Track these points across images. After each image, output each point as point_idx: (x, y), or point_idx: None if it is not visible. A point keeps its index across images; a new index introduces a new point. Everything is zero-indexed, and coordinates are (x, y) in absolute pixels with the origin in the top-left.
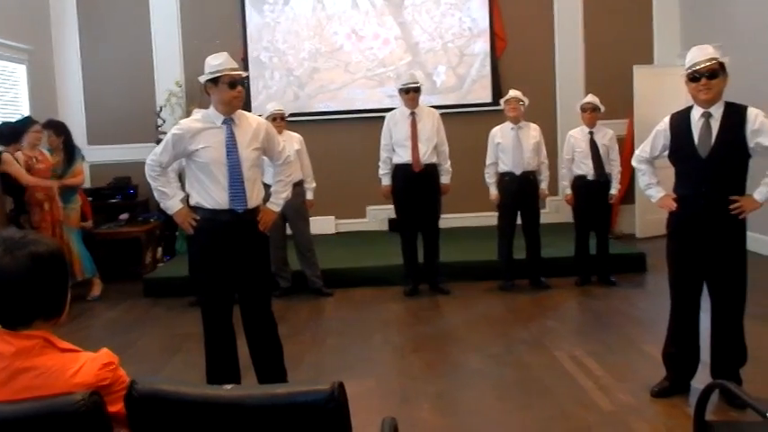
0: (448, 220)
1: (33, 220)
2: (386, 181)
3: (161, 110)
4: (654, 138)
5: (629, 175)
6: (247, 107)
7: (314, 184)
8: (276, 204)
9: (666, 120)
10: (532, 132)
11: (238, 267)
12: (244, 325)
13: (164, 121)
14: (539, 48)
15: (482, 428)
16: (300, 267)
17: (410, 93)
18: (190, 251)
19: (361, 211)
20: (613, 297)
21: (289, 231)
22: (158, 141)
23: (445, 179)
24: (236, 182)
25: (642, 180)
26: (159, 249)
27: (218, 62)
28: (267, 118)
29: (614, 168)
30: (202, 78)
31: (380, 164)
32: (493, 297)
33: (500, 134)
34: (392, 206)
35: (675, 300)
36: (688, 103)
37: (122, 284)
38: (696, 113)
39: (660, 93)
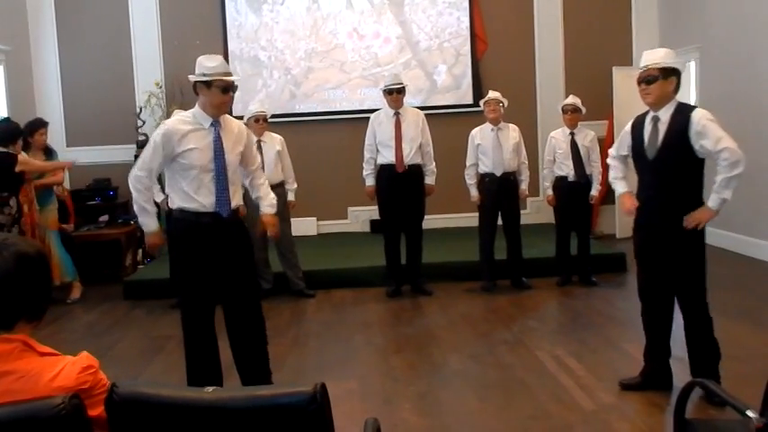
0: (429, 221)
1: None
2: (369, 181)
3: (141, 111)
4: (621, 138)
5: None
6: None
7: (295, 186)
8: (271, 207)
9: (631, 121)
10: (512, 133)
11: (224, 269)
12: (229, 327)
13: (143, 123)
14: (519, 49)
15: (464, 428)
16: (282, 269)
17: (394, 93)
18: (171, 254)
19: (342, 213)
20: (594, 297)
21: None
22: (138, 142)
23: (430, 180)
24: (221, 185)
25: (611, 173)
26: (139, 251)
27: (213, 65)
28: (249, 119)
29: (595, 169)
30: (194, 78)
31: (364, 164)
32: (474, 298)
33: (480, 135)
34: (374, 207)
35: (641, 298)
36: None
37: (102, 287)
38: (649, 116)
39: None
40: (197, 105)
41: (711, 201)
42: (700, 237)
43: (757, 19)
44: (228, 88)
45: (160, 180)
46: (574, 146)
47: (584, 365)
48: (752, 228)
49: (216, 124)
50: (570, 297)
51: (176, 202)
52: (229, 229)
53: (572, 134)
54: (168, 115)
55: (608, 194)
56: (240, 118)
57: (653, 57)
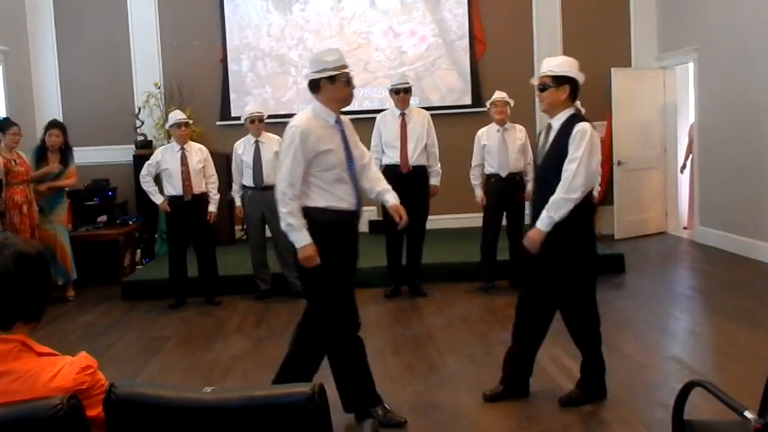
0: (430, 221)
1: (12, 223)
2: None
3: (139, 111)
4: None
5: (607, 176)
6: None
7: None
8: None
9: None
10: (518, 134)
11: (354, 263)
12: None
13: (142, 123)
14: (518, 50)
15: (461, 429)
16: (280, 269)
17: (400, 93)
18: (326, 257)
19: None
20: None
21: (268, 234)
22: (137, 143)
23: (435, 181)
24: (355, 181)
25: None
26: (138, 252)
27: (333, 58)
28: (245, 120)
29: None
30: (314, 75)
31: None
32: (473, 298)
33: (486, 136)
34: (373, 208)
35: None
36: (666, 104)
37: (100, 287)
38: (547, 124)
39: (638, 94)
40: (317, 102)
41: (540, 221)
42: (574, 243)
43: (755, 20)
44: (351, 80)
45: (158, 181)
46: None
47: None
48: (749, 228)
49: (339, 120)
50: None
51: (318, 202)
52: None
53: None
54: (166, 115)
55: (606, 195)
56: (237, 118)
57: (549, 64)
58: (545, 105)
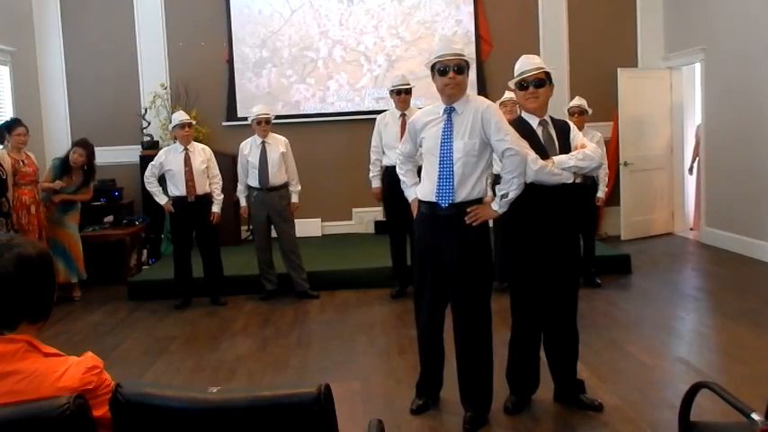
0: None
1: (20, 223)
2: (376, 183)
3: (146, 112)
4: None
5: (614, 177)
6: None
7: (299, 187)
8: (500, 205)
9: None
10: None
11: (447, 267)
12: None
13: (148, 124)
14: (524, 51)
15: None
16: (286, 270)
17: (401, 94)
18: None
19: (347, 214)
20: (598, 298)
21: (274, 234)
22: (143, 143)
23: None
24: (444, 174)
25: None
26: (144, 252)
27: (437, 48)
28: (252, 121)
29: (601, 171)
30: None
31: (370, 166)
32: None
33: None
34: (378, 209)
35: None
36: (673, 105)
37: (106, 287)
38: (533, 121)
39: (644, 94)
40: None
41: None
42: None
43: (762, 20)
44: (447, 69)
45: (162, 182)
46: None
47: (587, 367)
48: (756, 229)
49: (450, 111)
50: None
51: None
52: (448, 222)
53: None
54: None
55: (613, 196)
56: (245, 119)
57: (535, 62)
58: (539, 103)
